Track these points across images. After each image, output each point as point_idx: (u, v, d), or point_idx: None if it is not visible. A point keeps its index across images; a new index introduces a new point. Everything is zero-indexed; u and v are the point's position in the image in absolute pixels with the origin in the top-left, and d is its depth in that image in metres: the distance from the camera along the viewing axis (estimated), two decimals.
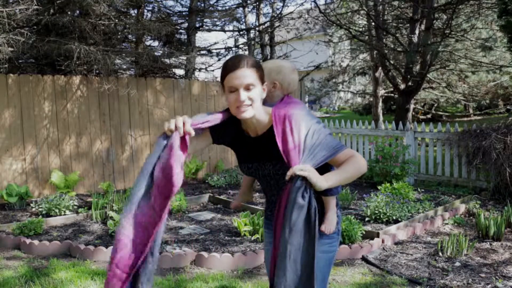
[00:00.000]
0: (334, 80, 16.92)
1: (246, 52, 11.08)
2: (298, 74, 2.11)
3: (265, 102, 1.91)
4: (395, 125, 7.96)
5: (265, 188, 1.99)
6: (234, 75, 1.70)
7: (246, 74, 1.70)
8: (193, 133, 1.61)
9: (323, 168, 1.73)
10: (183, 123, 1.61)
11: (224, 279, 3.72)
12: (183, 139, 1.60)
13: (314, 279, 1.61)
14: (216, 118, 1.80)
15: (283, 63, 2.07)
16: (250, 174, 1.95)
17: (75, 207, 5.71)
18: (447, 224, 5.18)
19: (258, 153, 1.86)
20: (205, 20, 9.66)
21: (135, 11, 8.26)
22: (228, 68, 1.72)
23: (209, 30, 9.82)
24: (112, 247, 1.73)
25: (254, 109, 1.75)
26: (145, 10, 8.67)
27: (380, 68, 13.09)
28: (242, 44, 11.08)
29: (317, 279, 1.85)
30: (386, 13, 11.88)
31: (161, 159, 1.58)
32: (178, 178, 1.56)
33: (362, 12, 11.68)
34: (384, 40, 11.55)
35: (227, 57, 10.54)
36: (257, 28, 10.67)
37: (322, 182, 1.62)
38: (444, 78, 14.74)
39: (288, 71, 2.02)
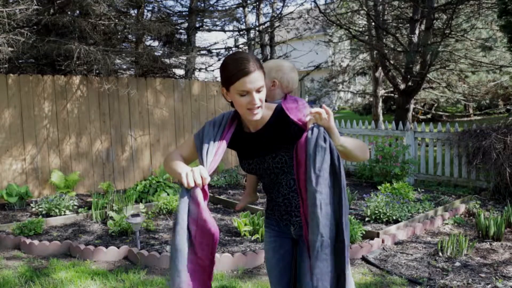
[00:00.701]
0: (334, 80, 16.92)
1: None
2: (297, 73, 2.13)
3: (265, 100, 1.92)
4: (395, 125, 7.96)
5: (266, 185, 1.99)
6: (248, 79, 1.68)
7: (258, 78, 1.70)
8: (209, 179, 1.63)
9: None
10: (201, 176, 1.60)
11: (224, 279, 3.72)
12: (202, 188, 1.63)
13: (345, 236, 1.57)
14: (223, 144, 1.78)
15: (283, 62, 2.09)
16: (251, 170, 1.95)
17: (75, 207, 5.71)
18: (447, 224, 5.18)
19: (258, 147, 1.88)
20: (205, 20, 9.67)
21: (135, 11, 8.26)
22: (241, 72, 1.68)
23: (209, 30, 9.83)
24: None
25: (263, 109, 1.77)
26: (145, 10, 8.67)
27: (380, 68, 13.09)
28: (242, 44, 11.08)
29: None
30: (386, 13, 11.88)
31: (191, 215, 1.60)
32: (214, 226, 1.60)
33: (362, 12, 11.68)
34: (384, 40, 11.55)
35: None
36: (257, 28, 10.68)
37: (338, 136, 1.64)
38: (444, 78, 14.74)
39: (287, 70, 2.04)
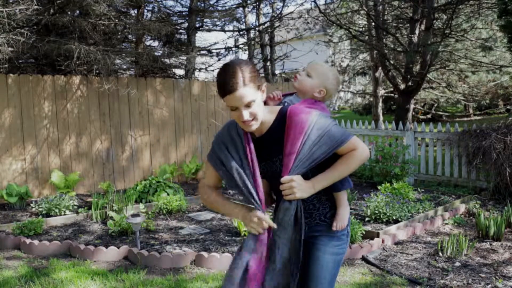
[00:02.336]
0: None
1: (246, 53, 11.09)
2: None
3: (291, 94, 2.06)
4: (395, 125, 7.95)
5: (276, 189, 1.95)
6: (232, 97, 1.70)
7: (244, 95, 1.69)
8: (269, 220, 1.81)
9: (329, 159, 1.83)
10: (265, 221, 1.78)
11: None
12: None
13: (298, 264, 1.81)
14: (254, 156, 1.84)
15: (337, 74, 2.12)
16: (260, 174, 1.94)
17: (75, 207, 5.71)
18: (447, 224, 5.18)
19: (265, 151, 1.88)
20: (205, 20, 9.66)
21: (135, 11, 8.26)
22: (226, 90, 1.70)
23: (209, 30, 9.82)
24: None
25: (258, 120, 1.78)
26: (145, 10, 8.67)
27: (380, 68, 13.09)
28: (242, 44, 11.08)
29: (325, 280, 1.91)
30: (386, 13, 11.88)
31: (258, 253, 1.82)
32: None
33: (362, 12, 11.68)
34: (384, 40, 11.55)
35: (227, 58, 10.55)
36: (257, 28, 10.67)
37: (306, 192, 1.79)
38: (444, 78, 14.74)
39: (338, 82, 2.11)
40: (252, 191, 1.79)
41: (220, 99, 1.81)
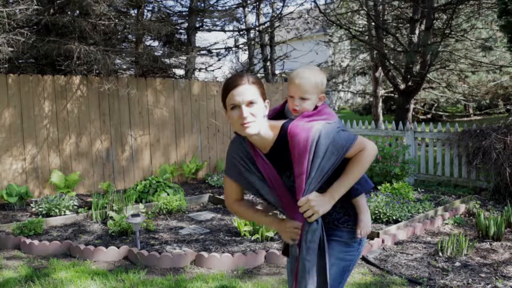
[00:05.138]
0: (334, 80, 16.92)
1: (246, 53, 11.09)
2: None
3: (279, 116, 1.97)
4: (395, 125, 7.96)
5: (285, 205, 1.90)
6: (235, 91, 1.73)
7: (247, 91, 1.73)
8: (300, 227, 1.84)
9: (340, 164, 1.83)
10: (299, 228, 1.81)
11: (224, 279, 3.72)
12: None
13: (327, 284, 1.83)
14: (264, 161, 1.87)
15: (316, 72, 1.96)
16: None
17: (75, 207, 5.71)
18: (447, 224, 5.18)
19: (275, 165, 1.86)
20: (205, 20, 9.66)
21: (135, 11, 8.26)
22: (230, 86, 1.75)
23: (209, 30, 9.82)
24: None
25: (258, 125, 1.75)
26: (145, 10, 8.67)
27: (380, 68, 13.09)
28: (242, 44, 11.08)
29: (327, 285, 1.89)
30: (386, 13, 11.89)
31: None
32: None
33: (362, 12, 11.68)
34: (384, 40, 11.55)
35: (227, 57, 10.56)
36: (257, 28, 10.67)
37: (327, 205, 1.79)
38: (444, 78, 14.74)
39: (324, 78, 1.98)
40: (268, 194, 1.88)
41: (224, 116, 1.83)
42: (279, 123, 1.84)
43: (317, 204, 1.75)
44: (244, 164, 1.88)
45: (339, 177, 1.82)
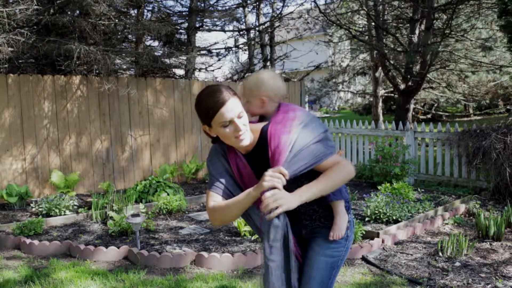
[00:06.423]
0: (334, 80, 16.93)
1: (246, 53, 11.09)
2: (281, 78, 2.02)
3: (263, 118, 1.94)
4: (395, 125, 7.96)
5: (258, 203, 1.94)
6: (224, 109, 1.72)
7: (234, 104, 1.74)
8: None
9: (312, 172, 1.80)
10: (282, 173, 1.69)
11: (224, 279, 3.72)
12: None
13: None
14: (239, 162, 1.89)
15: (261, 74, 1.97)
16: None
17: (75, 207, 5.71)
18: (447, 224, 5.18)
19: (256, 168, 1.88)
20: (205, 20, 9.67)
21: (135, 11, 8.26)
22: (217, 104, 1.72)
23: (209, 30, 9.83)
24: None
25: (249, 133, 1.80)
26: (145, 10, 8.68)
27: (380, 68, 13.09)
28: (242, 44, 11.09)
29: (314, 281, 1.91)
30: (386, 13, 11.89)
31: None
32: None
33: (362, 12, 11.68)
34: (384, 40, 11.55)
35: (227, 57, 10.56)
36: (257, 28, 10.68)
37: (292, 202, 1.67)
38: (444, 78, 14.74)
39: (268, 81, 1.92)
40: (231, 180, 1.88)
41: (206, 132, 1.85)
42: (259, 126, 1.88)
43: (282, 197, 1.66)
44: (223, 162, 1.91)
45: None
